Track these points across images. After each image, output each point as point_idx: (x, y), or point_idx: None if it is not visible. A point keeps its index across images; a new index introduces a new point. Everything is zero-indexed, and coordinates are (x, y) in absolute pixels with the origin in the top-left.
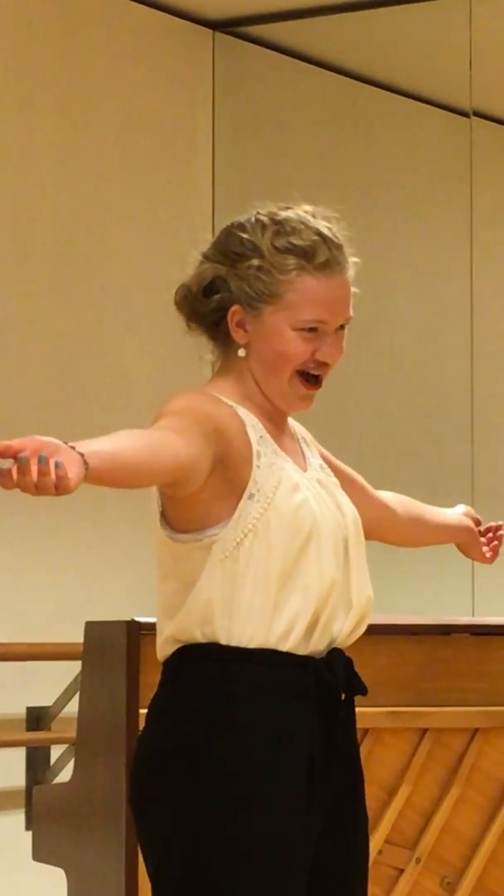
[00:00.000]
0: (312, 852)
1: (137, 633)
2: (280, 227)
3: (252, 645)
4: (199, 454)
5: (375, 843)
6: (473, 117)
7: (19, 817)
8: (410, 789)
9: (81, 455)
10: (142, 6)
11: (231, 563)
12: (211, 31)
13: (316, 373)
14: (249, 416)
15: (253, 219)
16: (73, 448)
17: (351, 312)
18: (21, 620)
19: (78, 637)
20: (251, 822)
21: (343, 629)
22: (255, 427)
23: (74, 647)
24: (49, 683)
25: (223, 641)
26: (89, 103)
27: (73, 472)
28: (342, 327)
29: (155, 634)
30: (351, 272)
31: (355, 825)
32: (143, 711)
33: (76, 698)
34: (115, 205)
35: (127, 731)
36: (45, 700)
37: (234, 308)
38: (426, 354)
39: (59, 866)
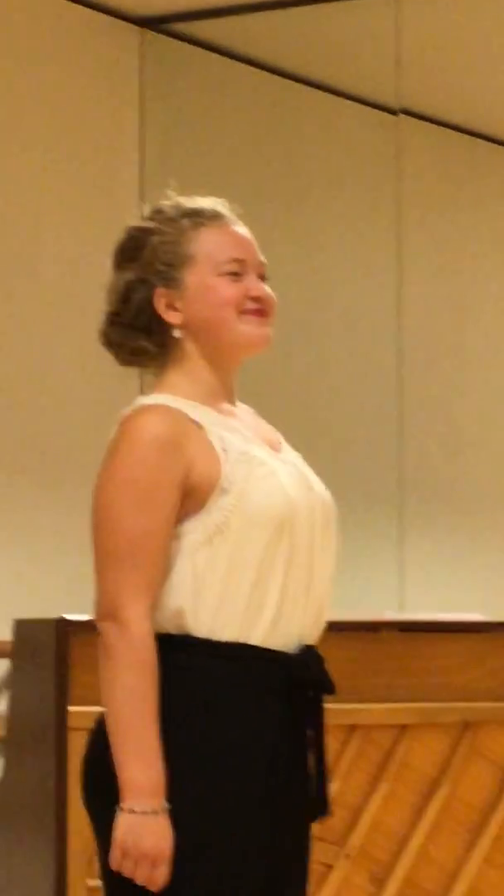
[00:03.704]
0: (275, 845)
1: (67, 632)
2: (162, 208)
3: (223, 638)
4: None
5: None
6: (401, 115)
7: None
8: (340, 786)
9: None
10: (67, 2)
11: (202, 557)
12: (139, 28)
13: (258, 306)
14: (205, 412)
15: (136, 221)
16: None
17: (263, 258)
18: None
19: (6, 635)
20: (209, 815)
21: (305, 621)
22: (215, 423)
23: (2, 646)
24: None
25: (194, 634)
26: (13, 101)
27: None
28: (262, 279)
29: (83, 633)
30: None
31: (308, 825)
32: (73, 709)
33: (4, 697)
34: (42, 206)
35: (56, 730)
36: None
37: (158, 292)
38: (354, 352)
39: None
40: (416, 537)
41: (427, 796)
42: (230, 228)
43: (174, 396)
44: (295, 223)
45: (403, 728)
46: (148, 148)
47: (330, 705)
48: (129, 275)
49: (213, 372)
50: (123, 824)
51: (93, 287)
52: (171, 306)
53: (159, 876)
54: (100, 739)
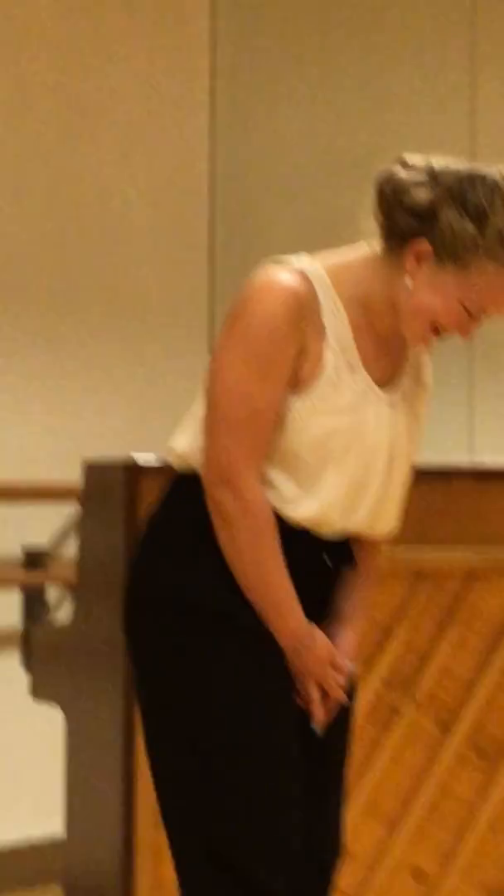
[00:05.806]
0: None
1: (137, 474)
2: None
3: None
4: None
5: (372, 683)
6: None
7: (16, 658)
8: (408, 631)
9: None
10: None
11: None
12: None
13: (446, 334)
14: (339, 324)
15: (500, 184)
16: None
17: None
18: (15, 459)
19: (72, 475)
20: (228, 657)
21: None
22: (339, 339)
23: (69, 487)
24: (44, 523)
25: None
26: None
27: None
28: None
29: (153, 476)
30: None
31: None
32: None
33: (73, 539)
34: (114, 52)
35: (126, 574)
36: (41, 539)
37: (424, 242)
38: None
39: (57, 705)
40: (485, 378)
41: (495, 642)
42: None
43: (336, 290)
44: (365, 62)
45: (472, 574)
46: None
47: (399, 549)
48: (438, 204)
49: (387, 312)
50: (301, 664)
51: (159, 142)
52: (419, 258)
53: (340, 666)
54: (138, 583)
